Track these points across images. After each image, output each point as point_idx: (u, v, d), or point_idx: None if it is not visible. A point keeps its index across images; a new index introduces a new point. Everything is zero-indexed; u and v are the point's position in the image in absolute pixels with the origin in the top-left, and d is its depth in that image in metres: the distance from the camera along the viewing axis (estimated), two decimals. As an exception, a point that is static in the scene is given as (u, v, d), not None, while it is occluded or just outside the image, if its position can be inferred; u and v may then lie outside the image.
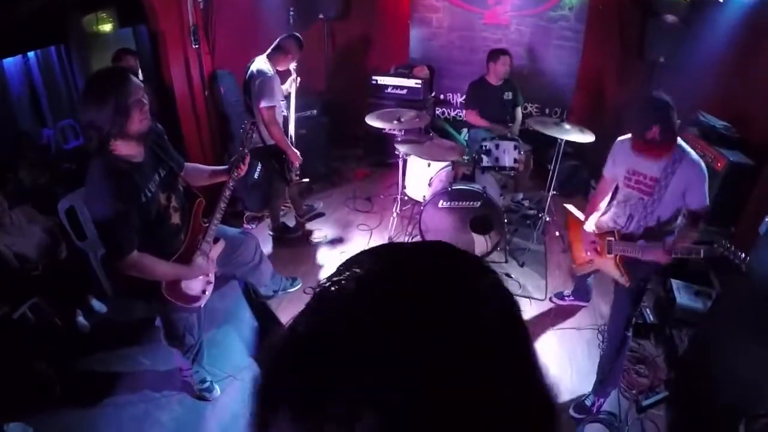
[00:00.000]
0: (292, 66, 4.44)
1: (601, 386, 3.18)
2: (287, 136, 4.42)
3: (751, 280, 2.80)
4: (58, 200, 3.49)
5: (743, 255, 2.40)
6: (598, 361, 3.26)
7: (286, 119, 4.53)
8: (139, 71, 4.24)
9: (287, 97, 4.54)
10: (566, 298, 4.12)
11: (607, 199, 3.15)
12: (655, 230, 2.83)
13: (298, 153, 4.34)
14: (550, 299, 4.17)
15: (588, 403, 3.20)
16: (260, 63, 4.10)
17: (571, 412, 3.22)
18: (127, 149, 2.31)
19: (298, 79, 4.57)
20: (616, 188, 3.05)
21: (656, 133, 2.55)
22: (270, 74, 4.04)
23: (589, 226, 3.11)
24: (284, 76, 4.48)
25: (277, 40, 4.19)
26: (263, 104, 4.01)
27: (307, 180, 4.95)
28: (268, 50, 4.18)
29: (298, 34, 4.28)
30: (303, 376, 0.45)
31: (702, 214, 2.70)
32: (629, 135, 2.85)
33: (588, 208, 3.21)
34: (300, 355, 0.47)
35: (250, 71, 4.13)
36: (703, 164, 2.66)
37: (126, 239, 2.26)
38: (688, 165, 2.64)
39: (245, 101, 4.29)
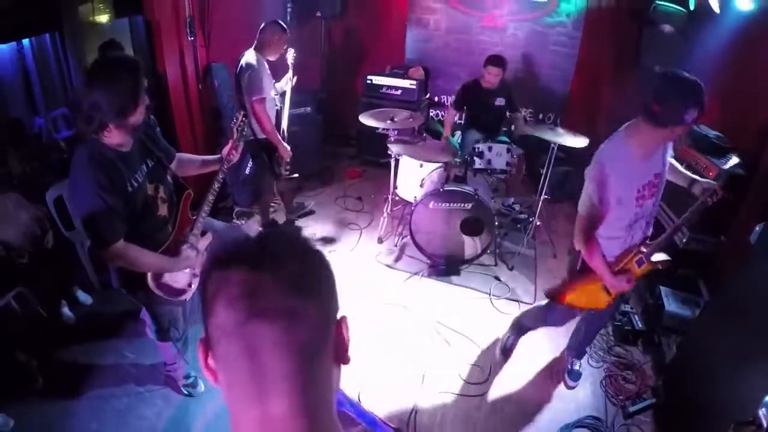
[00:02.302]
0: (290, 61, 4.46)
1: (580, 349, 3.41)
2: (279, 131, 4.39)
3: (740, 288, 2.82)
4: (47, 189, 3.45)
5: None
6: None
7: (279, 113, 4.48)
8: None
9: (283, 94, 4.52)
10: None
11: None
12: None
13: (288, 148, 4.34)
14: None
15: (577, 367, 3.44)
16: (249, 56, 4.09)
17: (568, 380, 3.42)
18: (118, 138, 2.27)
19: (295, 77, 4.56)
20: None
21: (694, 117, 2.28)
22: (257, 67, 4.03)
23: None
24: (281, 72, 4.49)
25: (259, 30, 4.16)
26: (253, 97, 4.02)
27: (296, 176, 4.89)
28: (254, 42, 4.16)
29: (278, 20, 4.24)
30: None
31: None
32: (624, 143, 2.47)
33: (599, 254, 2.63)
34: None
35: (239, 65, 4.13)
36: None
37: (110, 229, 2.22)
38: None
39: (237, 96, 4.26)
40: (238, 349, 0.67)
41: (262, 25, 4.16)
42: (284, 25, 4.19)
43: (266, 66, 4.14)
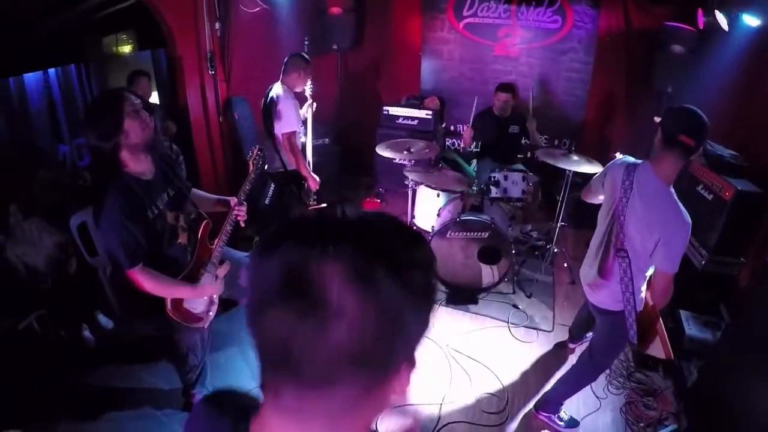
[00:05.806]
0: (308, 92, 4.52)
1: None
2: (306, 162, 4.47)
3: (761, 310, 2.77)
4: (71, 216, 3.54)
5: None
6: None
7: (304, 145, 4.57)
8: (152, 92, 4.33)
9: (304, 123, 4.59)
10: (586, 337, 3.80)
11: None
12: None
13: (318, 179, 4.43)
14: (570, 345, 3.91)
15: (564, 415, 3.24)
16: (278, 89, 4.20)
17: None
18: (135, 164, 2.35)
19: (314, 104, 4.64)
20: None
21: None
22: (288, 99, 4.13)
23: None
24: (301, 101, 4.52)
25: (283, 63, 4.25)
26: (284, 130, 4.12)
27: (324, 205, 4.98)
28: (281, 76, 4.25)
29: (300, 53, 4.35)
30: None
31: None
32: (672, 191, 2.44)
33: None
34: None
35: (269, 97, 4.21)
36: None
37: (130, 252, 2.29)
38: None
39: (266, 126, 4.32)
40: None
41: (286, 58, 4.24)
42: (307, 58, 4.29)
43: (294, 98, 4.22)
